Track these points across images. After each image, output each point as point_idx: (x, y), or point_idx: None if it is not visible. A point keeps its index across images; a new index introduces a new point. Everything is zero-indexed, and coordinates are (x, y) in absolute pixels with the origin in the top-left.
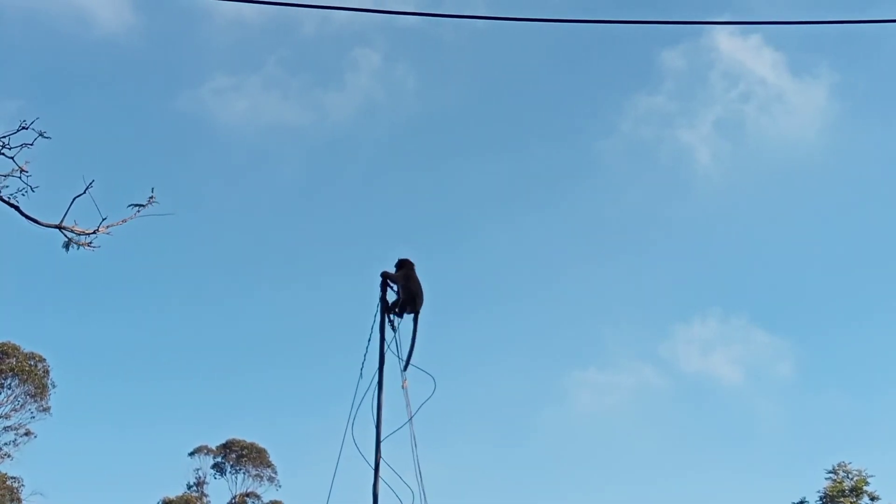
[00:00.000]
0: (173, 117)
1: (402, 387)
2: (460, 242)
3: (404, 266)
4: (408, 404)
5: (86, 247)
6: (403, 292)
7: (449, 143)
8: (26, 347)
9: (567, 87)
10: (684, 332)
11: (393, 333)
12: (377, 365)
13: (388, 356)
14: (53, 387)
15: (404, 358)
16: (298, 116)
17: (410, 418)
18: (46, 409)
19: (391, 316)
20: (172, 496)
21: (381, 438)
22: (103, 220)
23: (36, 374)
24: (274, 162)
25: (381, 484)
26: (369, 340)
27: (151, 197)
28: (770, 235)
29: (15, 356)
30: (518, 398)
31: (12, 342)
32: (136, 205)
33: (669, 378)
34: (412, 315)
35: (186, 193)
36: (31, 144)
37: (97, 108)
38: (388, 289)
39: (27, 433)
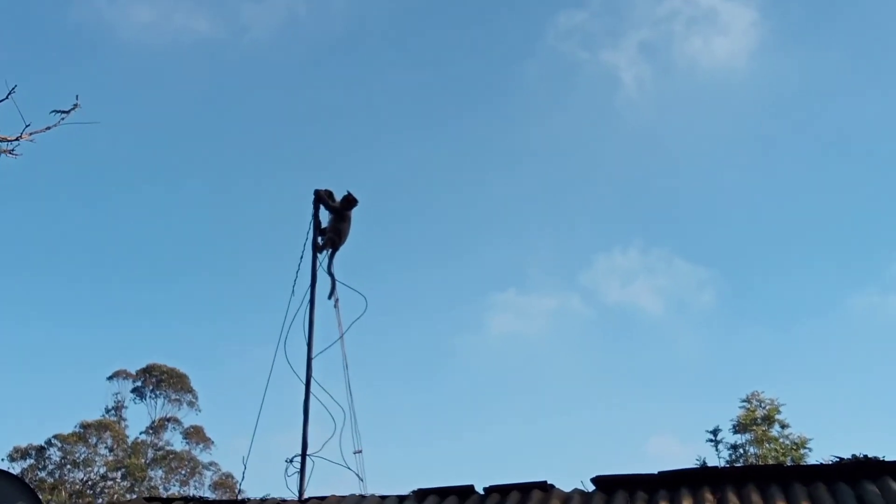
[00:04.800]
0: (65, 29)
1: (334, 306)
2: (378, 162)
3: (348, 205)
4: (339, 323)
5: (8, 154)
6: (331, 229)
7: (371, 62)
8: None
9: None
10: (605, 262)
11: (323, 252)
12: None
13: (320, 274)
14: None
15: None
16: (211, 29)
17: (342, 335)
18: None
19: (318, 240)
20: (90, 420)
21: (313, 356)
22: (27, 126)
23: None
24: (183, 78)
25: (311, 401)
26: (301, 258)
27: (76, 104)
28: (694, 164)
29: None
30: (437, 324)
31: None
32: (59, 111)
33: (589, 307)
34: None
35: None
36: None
37: None
38: (322, 207)
39: None
